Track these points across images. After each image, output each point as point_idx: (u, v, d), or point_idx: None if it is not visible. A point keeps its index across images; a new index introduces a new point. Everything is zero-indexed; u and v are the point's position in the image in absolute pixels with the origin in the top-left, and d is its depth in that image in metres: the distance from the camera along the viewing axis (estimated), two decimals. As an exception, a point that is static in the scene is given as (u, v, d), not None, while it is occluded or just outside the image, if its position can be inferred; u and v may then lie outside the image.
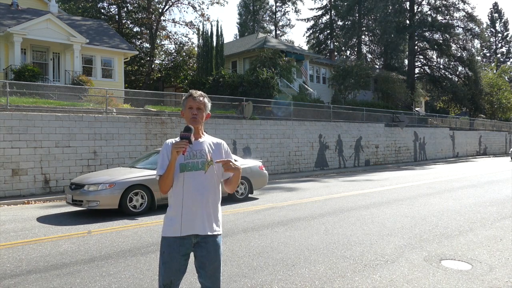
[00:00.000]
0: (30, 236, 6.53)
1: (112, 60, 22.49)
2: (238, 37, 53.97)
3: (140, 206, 8.36)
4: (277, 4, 56.71)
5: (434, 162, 25.56)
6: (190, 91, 2.72)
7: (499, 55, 69.25)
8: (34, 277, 4.52)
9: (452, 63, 41.64)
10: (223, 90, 20.88)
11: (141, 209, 8.34)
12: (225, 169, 2.56)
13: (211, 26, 35.67)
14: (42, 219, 8.01)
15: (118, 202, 8.07)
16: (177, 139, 2.56)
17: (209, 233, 2.58)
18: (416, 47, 40.39)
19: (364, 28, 42.91)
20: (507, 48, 70.62)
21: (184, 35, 59.29)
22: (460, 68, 42.00)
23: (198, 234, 2.57)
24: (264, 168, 10.92)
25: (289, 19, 69.25)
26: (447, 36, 39.00)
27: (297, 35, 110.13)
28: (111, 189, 8.07)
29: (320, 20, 48.99)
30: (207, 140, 2.70)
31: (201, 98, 2.66)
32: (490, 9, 76.10)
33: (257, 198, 10.39)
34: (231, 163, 2.53)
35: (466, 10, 39.68)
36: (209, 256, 2.58)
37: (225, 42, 27.70)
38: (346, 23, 43.40)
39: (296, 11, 59.27)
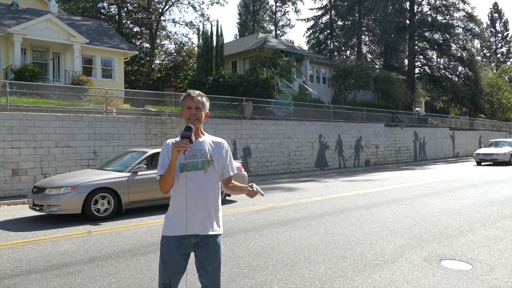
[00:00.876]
0: (30, 236, 6.54)
1: (112, 60, 22.50)
2: (238, 37, 53.98)
3: (105, 211, 7.90)
4: (277, 4, 56.73)
5: (434, 162, 25.56)
6: (188, 91, 2.72)
7: (499, 55, 69.25)
8: (34, 277, 4.52)
9: (452, 63, 41.63)
10: (223, 90, 20.88)
11: (107, 213, 7.89)
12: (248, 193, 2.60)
13: (211, 26, 35.72)
14: (42, 219, 8.01)
15: (81, 207, 7.62)
16: (178, 139, 2.57)
17: (209, 233, 2.59)
18: (416, 47, 40.38)
19: (364, 28, 42.93)
20: (507, 48, 70.64)
21: (184, 35, 59.43)
22: (460, 68, 41.99)
23: (198, 234, 2.57)
24: (243, 169, 10.46)
25: (289, 19, 69.34)
26: (447, 36, 38.99)
27: (297, 35, 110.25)
28: (74, 193, 7.61)
29: (320, 20, 49.00)
30: (207, 139, 2.71)
31: (199, 98, 2.67)
32: (490, 9, 76.19)
33: (235, 201, 9.83)
34: (256, 193, 2.58)
35: (466, 10, 39.68)
36: (209, 256, 2.58)
37: (225, 42, 27.70)
38: (346, 23, 43.41)
39: (296, 11, 59.35)
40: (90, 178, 8.07)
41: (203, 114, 2.68)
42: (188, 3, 30.99)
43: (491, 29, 70.03)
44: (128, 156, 9.33)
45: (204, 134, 2.73)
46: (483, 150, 22.72)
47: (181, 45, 32.24)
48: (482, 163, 22.21)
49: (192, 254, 2.65)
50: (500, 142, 24.02)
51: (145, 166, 8.49)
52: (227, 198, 10.08)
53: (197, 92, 2.71)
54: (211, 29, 25.20)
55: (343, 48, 46.68)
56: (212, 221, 2.62)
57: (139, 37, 33.27)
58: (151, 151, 9.08)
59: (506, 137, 36.72)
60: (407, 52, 41.26)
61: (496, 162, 21.57)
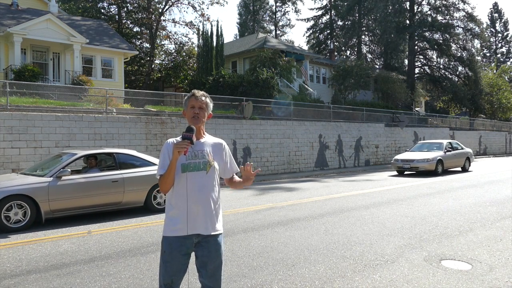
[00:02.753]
0: (30, 236, 6.54)
1: (112, 60, 22.50)
2: (238, 37, 54.00)
3: (20, 221, 6.97)
4: (277, 4, 56.74)
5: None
6: (192, 90, 2.75)
7: (499, 55, 69.26)
8: (34, 277, 4.53)
9: (452, 63, 41.66)
10: (223, 90, 20.88)
11: (22, 224, 6.97)
12: (244, 177, 2.78)
13: (211, 26, 35.67)
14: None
15: None
16: (178, 138, 2.58)
17: (211, 233, 2.61)
18: (416, 47, 40.40)
19: (364, 28, 42.93)
20: (507, 48, 70.64)
21: (184, 35, 59.30)
22: (460, 68, 42.02)
23: (200, 234, 2.58)
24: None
25: (289, 19, 69.32)
26: (447, 36, 39.02)
27: (297, 35, 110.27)
28: None
29: (320, 20, 48.99)
30: (208, 140, 2.73)
31: (203, 98, 2.69)
32: (490, 9, 76.18)
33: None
34: (252, 177, 2.76)
35: (466, 10, 39.73)
36: (210, 255, 2.60)
37: (225, 42, 27.70)
38: (346, 23, 43.42)
39: (296, 11, 59.25)
40: (3, 184, 7.11)
41: (206, 115, 2.70)
42: (188, 3, 31.02)
43: (491, 29, 70.04)
44: (58, 158, 8.35)
45: (205, 135, 2.75)
46: (402, 155, 17.51)
47: (181, 45, 32.25)
48: (406, 172, 17.23)
49: (193, 254, 2.65)
50: (432, 143, 18.45)
51: (69, 170, 7.66)
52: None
53: (201, 92, 2.73)
54: (211, 29, 25.21)
55: (343, 48, 46.68)
56: (214, 221, 2.63)
57: (139, 37, 33.27)
58: (82, 153, 8.22)
59: (506, 137, 36.70)
60: (407, 52, 41.27)
61: (418, 171, 16.60)
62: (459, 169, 18.44)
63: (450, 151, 17.64)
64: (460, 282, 4.20)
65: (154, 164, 8.65)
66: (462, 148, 18.89)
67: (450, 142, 18.50)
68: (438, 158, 16.53)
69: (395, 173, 17.50)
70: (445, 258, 5.00)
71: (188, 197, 2.56)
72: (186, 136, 2.48)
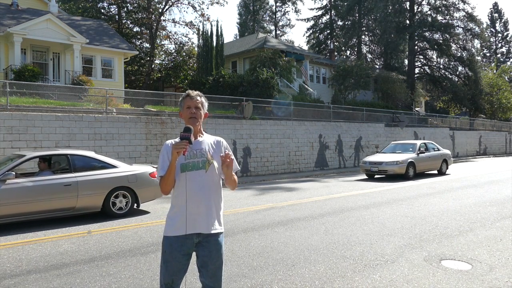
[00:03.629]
0: (30, 236, 6.54)
1: (112, 60, 22.49)
2: (238, 37, 54.01)
3: None
4: (277, 4, 56.74)
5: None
6: (187, 91, 2.77)
7: (499, 55, 69.25)
8: (34, 277, 4.53)
9: (452, 63, 41.66)
10: (223, 90, 20.89)
11: None
12: (222, 164, 2.56)
13: (211, 26, 35.65)
14: (42, 219, 7.99)
15: None
16: (177, 139, 2.58)
17: (212, 232, 2.61)
18: (416, 47, 40.40)
19: (364, 28, 42.93)
20: (507, 48, 70.62)
21: (184, 35, 59.23)
22: (460, 68, 42.01)
23: (201, 233, 2.59)
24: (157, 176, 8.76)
25: (289, 19, 69.34)
26: (447, 36, 39.03)
27: (297, 35, 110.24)
28: None
29: (320, 20, 49.01)
30: (206, 139, 2.74)
31: (198, 98, 2.71)
32: (490, 9, 76.16)
33: (148, 212, 8.61)
34: (228, 159, 2.54)
35: (466, 10, 39.73)
36: (211, 255, 2.60)
37: (225, 42, 27.71)
38: (346, 23, 43.42)
39: (296, 11, 59.23)
40: None
41: (202, 114, 2.71)
42: (188, 3, 31.02)
43: (491, 29, 70.02)
44: (8, 160, 7.82)
45: (203, 134, 2.76)
46: (372, 157, 16.12)
47: (181, 45, 32.25)
48: (376, 176, 15.79)
49: (194, 253, 2.66)
50: (407, 144, 16.92)
51: (14, 173, 7.05)
52: (138, 208, 8.55)
53: (196, 92, 2.75)
54: (211, 29, 25.22)
55: (343, 48, 46.68)
56: (214, 219, 2.64)
57: (139, 37, 33.27)
58: (31, 154, 7.67)
59: (506, 137, 36.68)
60: (407, 52, 41.29)
61: (387, 174, 15.03)
62: (436, 172, 16.82)
63: (423, 152, 16.04)
64: (460, 282, 4.20)
65: (114, 167, 8.25)
66: (438, 150, 17.25)
67: (424, 143, 16.95)
68: (409, 160, 15.02)
69: (365, 176, 15.90)
70: (445, 258, 5.00)
71: (188, 197, 2.57)
72: (184, 136, 2.49)
